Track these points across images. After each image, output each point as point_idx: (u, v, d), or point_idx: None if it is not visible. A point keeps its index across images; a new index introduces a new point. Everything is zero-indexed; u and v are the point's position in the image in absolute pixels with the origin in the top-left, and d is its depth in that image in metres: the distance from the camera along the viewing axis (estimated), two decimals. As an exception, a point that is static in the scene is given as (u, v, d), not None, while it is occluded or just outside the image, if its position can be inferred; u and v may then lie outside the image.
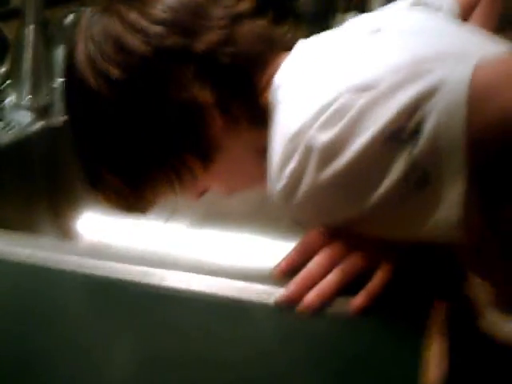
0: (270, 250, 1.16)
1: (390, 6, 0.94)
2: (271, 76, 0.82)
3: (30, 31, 1.19)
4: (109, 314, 0.73)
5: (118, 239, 1.21)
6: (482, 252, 0.69)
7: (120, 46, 0.82)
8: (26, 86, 1.20)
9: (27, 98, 1.20)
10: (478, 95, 0.63)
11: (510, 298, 0.69)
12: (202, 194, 0.92)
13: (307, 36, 0.88)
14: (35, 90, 1.20)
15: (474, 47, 0.77)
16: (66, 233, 1.21)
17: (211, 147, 0.84)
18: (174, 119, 0.82)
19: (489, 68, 0.64)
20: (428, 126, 0.63)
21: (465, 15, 0.97)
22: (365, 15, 0.91)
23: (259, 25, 0.86)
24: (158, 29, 0.82)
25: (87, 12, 0.88)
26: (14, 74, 1.21)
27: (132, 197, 0.87)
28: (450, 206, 0.64)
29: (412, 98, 0.65)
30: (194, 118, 0.82)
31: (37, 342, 0.74)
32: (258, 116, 0.83)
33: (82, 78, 0.84)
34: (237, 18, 0.85)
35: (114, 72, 0.82)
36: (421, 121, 0.64)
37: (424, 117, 0.64)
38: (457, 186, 0.63)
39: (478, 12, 1.00)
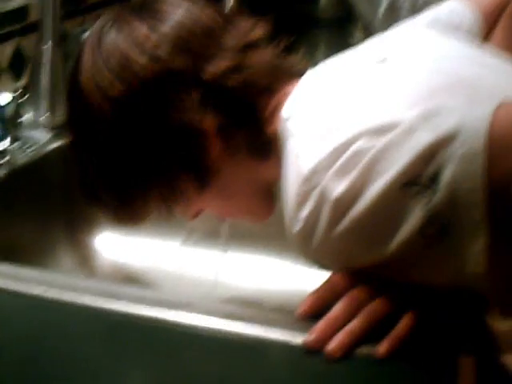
0: (291, 273, 1.15)
1: (406, 25, 0.92)
2: (278, 105, 0.81)
3: (48, 48, 1.18)
4: (122, 353, 0.72)
5: (135, 259, 1.20)
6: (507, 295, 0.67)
7: (126, 63, 0.81)
8: (44, 104, 1.18)
9: (45, 116, 1.19)
10: (499, 143, 0.62)
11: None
12: (196, 215, 0.91)
13: (325, 45, 0.86)
14: (53, 107, 1.18)
15: (491, 80, 0.76)
16: (83, 253, 1.20)
17: (208, 173, 0.83)
18: (172, 142, 0.81)
19: (509, 112, 0.63)
20: (445, 177, 0.62)
21: (488, 28, 0.95)
22: (376, 39, 0.89)
23: (270, 54, 0.85)
24: (166, 48, 0.80)
25: (98, 20, 0.86)
26: (31, 90, 1.20)
27: (122, 212, 0.87)
28: (472, 259, 0.62)
29: (428, 145, 0.63)
30: (193, 144, 0.81)
31: (49, 376, 0.72)
32: (261, 147, 0.83)
33: (83, 90, 0.83)
34: (248, 48, 0.83)
35: (117, 88, 0.80)
36: (437, 170, 0.63)
37: (441, 165, 0.62)
38: (479, 239, 0.62)
39: (501, 26, 0.97)
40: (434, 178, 0.63)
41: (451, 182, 0.62)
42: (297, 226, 0.71)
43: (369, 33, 1.10)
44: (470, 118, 0.63)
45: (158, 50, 0.80)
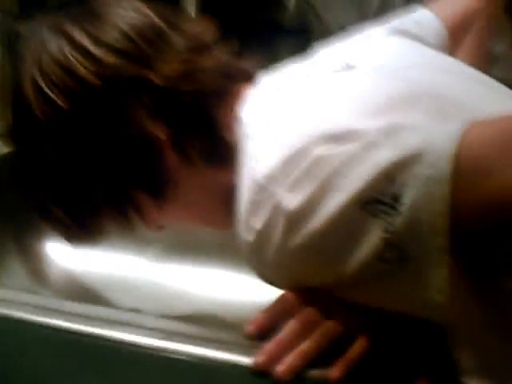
0: (237, 283, 1.12)
1: (366, 32, 0.90)
2: (233, 109, 0.78)
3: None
4: (66, 370, 0.70)
5: (87, 269, 1.16)
6: (467, 322, 0.65)
7: (69, 74, 0.76)
8: (-8, 110, 1.14)
9: (-7, 123, 1.15)
10: (465, 168, 0.58)
11: (494, 366, 0.65)
12: (161, 226, 0.87)
13: (290, 52, 0.83)
14: (2, 113, 1.14)
15: (461, 89, 0.73)
16: (34, 262, 1.16)
17: (163, 186, 0.79)
18: (123, 155, 0.77)
19: (479, 133, 0.60)
20: (407, 199, 0.59)
21: (452, 44, 0.92)
22: (337, 45, 0.86)
23: (223, 57, 0.81)
24: (112, 59, 0.76)
25: (35, 28, 0.81)
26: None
27: (76, 229, 0.82)
28: (433, 288, 0.60)
29: (391, 163, 0.60)
30: (145, 156, 0.77)
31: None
32: (218, 154, 0.79)
33: (26, 104, 0.78)
34: (199, 51, 0.79)
35: (61, 100, 0.76)
36: (400, 190, 0.59)
37: (403, 186, 0.59)
38: (441, 269, 0.59)
39: (468, 41, 0.95)
40: (397, 199, 0.60)
41: (413, 206, 0.59)
42: (248, 237, 0.68)
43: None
44: (437, 137, 0.60)
45: (101, 57, 0.76)
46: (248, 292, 1.10)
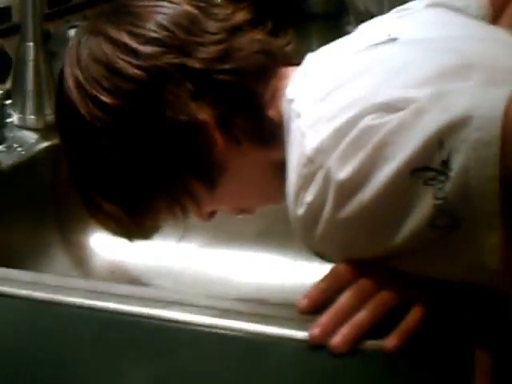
0: (292, 268, 1.13)
1: (405, 7, 0.89)
2: (277, 88, 0.78)
3: (30, 48, 1.14)
4: (116, 352, 0.71)
5: (132, 258, 1.17)
6: None
7: (110, 70, 0.78)
8: (29, 105, 1.15)
9: (31, 117, 1.16)
10: None
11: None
12: (212, 214, 0.88)
13: (317, 39, 0.83)
14: (39, 108, 1.16)
15: (503, 59, 0.73)
16: (78, 254, 1.17)
17: (215, 169, 0.80)
18: (172, 143, 0.78)
19: None
20: (457, 164, 0.59)
21: (494, 15, 0.91)
22: (377, 21, 0.86)
23: (257, 37, 0.82)
24: (149, 49, 0.77)
25: (75, 32, 0.84)
26: (15, 92, 1.17)
27: (132, 225, 0.83)
28: (486, 253, 0.59)
29: (439, 127, 0.60)
30: (195, 140, 0.78)
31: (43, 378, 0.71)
32: (265, 132, 0.79)
33: (72, 104, 0.80)
34: (233, 31, 0.80)
35: (106, 98, 0.77)
36: (448, 157, 0.59)
37: (453, 150, 0.59)
38: (492, 233, 0.59)
39: (509, 13, 0.94)
40: (446, 164, 0.59)
41: (463, 170, 0.59)
42: (300, 211, 0.68)
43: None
44: (485, 99, 0.60)
45: (140, 49, 0.78)
46: (293, 275, 1.11)
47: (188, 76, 0.77)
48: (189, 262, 1.15)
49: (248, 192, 0.85)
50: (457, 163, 0.59)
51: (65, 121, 0.84)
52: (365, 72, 0.71)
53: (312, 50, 0.83)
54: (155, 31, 0.79)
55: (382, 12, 0.93)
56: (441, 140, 0.60)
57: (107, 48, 0.79)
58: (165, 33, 0.78)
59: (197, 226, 1.13)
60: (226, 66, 0.78)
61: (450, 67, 0.68)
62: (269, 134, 0.79)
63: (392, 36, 0.76)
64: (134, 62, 0.77)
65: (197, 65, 0.77)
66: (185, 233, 1.15)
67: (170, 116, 0.77)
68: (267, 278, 1.12)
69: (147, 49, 0.77)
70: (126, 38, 0.78)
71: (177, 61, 0.77)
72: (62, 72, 0.82)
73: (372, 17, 0.90)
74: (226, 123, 0.78)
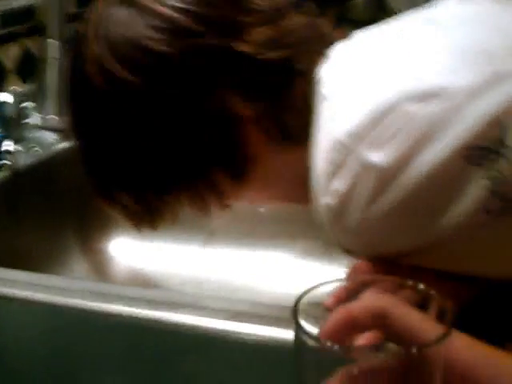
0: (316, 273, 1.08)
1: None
2: (316, 75, 0.70)
3: (54, 46, 1.12)
4: (127, 354, 0.69)
5: (152, 264, 1.14)
6: None
7: (139, 47, 0.69)
8: (51, 105, 1.13)
9: (52, 117, 1.14)
10: None
11: None
12: (228, 205, 0.83)
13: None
14: (60, 108, 1.13)
15: None
16: (97, 259, 1.14)
17: (245, 164, 0.73)
18: (202, 133, 0.70)
19: None
20: (510, 143, 0.55)
21: None
22: (417, 10, 0.80)
23: (302, 18, 0.73)
24: (188, 22, 0.68)
25: (97, 2, 0.73)
26: (38, 91, 1.15)
27: (148, 216, 0.77)
28: None
29: (492, 111, 0.56)
30: (228, 133, 0.71)
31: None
32: (304, 132, 0.71)
33: (90, 85, 0.71)
34: (282, 10, 0.71)
35: (132, 78, 0.69)
36: (503, 139, 0.55)
37: (507, 134, 0.55)
38: None
39: None
40: (498, 150, 0.56)
41: None
42: (327, 200, 0.62)
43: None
44: None
45: (178, 25, 0.68)
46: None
47: (232, 61, 0.69)
48: (212, 269, 1.12)
49: (275, 190, 0.79)
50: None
51: (79, 101, 0.76)
52: (401, 55, 0.66)
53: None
54: (197, 4, 0.69)
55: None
56: (500, 120, 0.56)
57: (138, 21, 0.69)
58: (208, 7, 0.69)
59: (220, 230, 1.11)
60: (273, 52, 0.69)
61: (497, 48, 0.63)
62: (306, 132, 0.71)
63: (431, 19, 0.70)
64: (169, 38, 0.68)
65: (246, 48, 0.68)
66: (208, 238, 1.12)
67: (203, 106, 0.69)
68: (295, 286, 1.08)
69: (186, 23, 0.68)
70: (162, 9, 0.68)
71: (220, 42, 0.68)
72: (81, 45, 0.73)
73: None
74: (264, 119, 0.71)
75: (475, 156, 0.56)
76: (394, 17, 0.78)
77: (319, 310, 0.63)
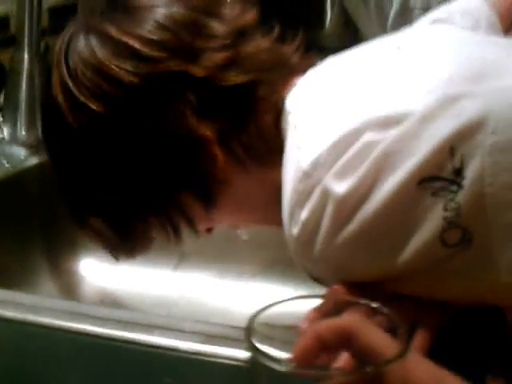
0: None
1: (416, 24, 0.84)
2: (282, 101, 0.71)
3: (24, 59, 1.10)
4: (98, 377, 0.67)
5: (123, 285, 1.11)
6: None
7: (102, 75, 0.71)
8: (22, 119, 1.10)
9: (23, 132, 1.10)
10: None
11: None
12: (209, 230, 0.81)
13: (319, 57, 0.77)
14: (31, 123, 1.10)
15: None
16: (66, 279, 1.11)
17: (214, 187, 0.73)
18: (168, 158, 0.71)
19: None
20: (471, 171, 0.54)
21: (504, 30, 0.86)
22: (383, 37, 0.80)
23: (265, 44, 0.75)
24: (149, 52, 0.70)
25: (65, 31, 0.75)
26: (7, 106, 1.11)
27: (121, 243, 0.77)
28: (502, 269, 0.54)
29: (450, 134, 0.55)
30: (193, 156, 0.71)
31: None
32: (269, 151, 0.73)
33: (58, 113, 0.73)
34: (241, 36, 0.73)
35: (95, 106, 0.70)
36: (460, 166, 0.55)
37: (466, 157, 0.54)
38: (509, 246, 0.53)
39: None
40: (459, 172, 0.54)
41: (478, 177, 0.54)
42: (294, 231, 0.62)
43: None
44: (500, 101, 0.56)
45: (137, 53, 0.70)
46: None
47: (190, 85, 0.70)
48: (184, 291, 1.09)
49: (247, 213, 0.79)
50: (471, 170, 0.54)
51: (50, 130, 0.78)
52: (366, 83, 0.67)
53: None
54: (156, 33, 0.71)
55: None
56: (452, 147, 0.55)
57: (101, 49, 0.71)
58: (167, 34, 0.71)
59: (192, 253, 1.08)
60: (232, 76, 0.71)
61: (458, 73, 0.63)
62: (273, 153, 0.72)
63: (398, 46, 0.72)
64: (130, 67, 0.70)
65: (200, 72, 0.70)
66: (180, 261, 1.10)
67: (166, 129, 0.71)
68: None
69: (148, 52, 0.70)
70: (120, 37, 0.71)
71: (179, 68, 0.70)
72: (49, 74, 0.76)
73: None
74: (228, 140, 0.72)
75: (431, 185, 0.56)
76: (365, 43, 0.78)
77: (275, 330, 0.61)
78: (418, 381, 0.48)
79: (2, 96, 1.13)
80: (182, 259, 1.10)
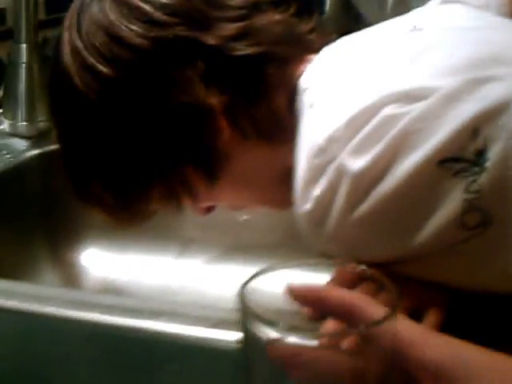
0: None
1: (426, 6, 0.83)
2: (295, 78, 0.71)
3: (22, 50, 1.09)
4: (104, 365, 0.67)
5: (125, 275, 1.11)
6: None
7: (112, 37, 0.70)
8: (21, 111, 1.10)
9: (22, 124, 1.10)
10: None
11: None
12: (209, 209, 0.81)
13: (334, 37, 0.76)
14: (31, 114, 1.10)
15: None
16: (67, 270, 1.11)
17: (217, 161, 0.72)
18: (173, 127, 0.70)
19: None
20: (493, 154, 0.53)
21: None
22: (400, 17, 0.80)
23: (280, 18, 0.74)
24: (161, 17, 0.69)
25: None
26: (7, 98, 1.11)
27: (124, 212, 0.76)
28: None
29: (474, 116, 0.54)
30: (197, 126, 0.70)
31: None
32: (277, 128, 0.72)
33: (66, 75, 0.72)
34: (256, 8, 0.72)
35: (104, 69, 0.70)
36: (485, 145, 0.54)
37: (489, 140, 0.53)
38: None
39: None
40: (481, 154, 0.54)
41: (500, 160, 0.53)
42: (306, 207, 0.61)
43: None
44: None
45: (149, 17, 0.70)
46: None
47: (200, 53, 0.69)
48: (187, 279, 1.09)
49: (250, 191, 0.77)
50: (494, 152, 0.53)
51: (56, 93, 0.77)
52: (385, 60, 0.65)
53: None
54: None
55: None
56: (476, 128, 0.54)
57: (114, 11, 0.71)
58: (181, 0, 0.71)
59: (196, 241, 1.08)
60: (244, 47, 0.70)
61: (479, 56, 0.62)
62: (283, 131, 0.71)
63: (417, 26, 0.70)
64: (141, 29, 0.69)
65: (212, 41, 0.69)
66: (185, 248, 1.09)
67: (174, 96, 0.69)
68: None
69: (159, 16, 0.69)
70: (138, 1, 0.70)
71: (190, 34, 0.69)
72: (59, 36, 0.75)
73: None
74: (235, 112, 0.71)
75: (452, 166, 0.55)
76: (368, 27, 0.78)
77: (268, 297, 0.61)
78: (437, 361, 0.48)
79: (2, 89, 1.12)
80: (185, 247, 1.10)
